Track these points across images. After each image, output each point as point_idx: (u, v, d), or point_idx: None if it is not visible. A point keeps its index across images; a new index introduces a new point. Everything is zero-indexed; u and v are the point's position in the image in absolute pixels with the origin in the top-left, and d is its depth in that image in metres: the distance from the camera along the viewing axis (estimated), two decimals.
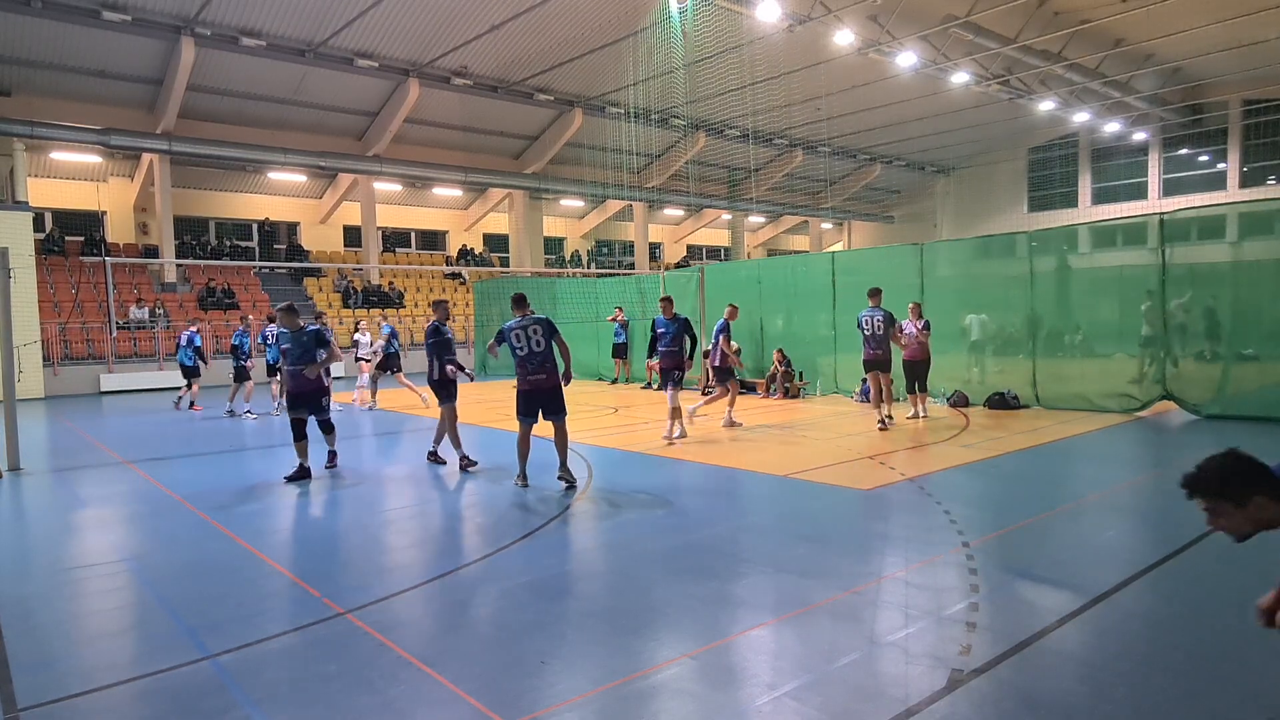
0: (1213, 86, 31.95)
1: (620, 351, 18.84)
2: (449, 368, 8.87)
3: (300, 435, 8.38)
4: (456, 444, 8.88)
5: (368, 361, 15.74)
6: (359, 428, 12.61)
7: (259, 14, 21.18)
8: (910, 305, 11.78)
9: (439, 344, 8.90)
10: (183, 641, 4.13)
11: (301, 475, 8.27)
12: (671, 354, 10.37)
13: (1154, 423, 10.99)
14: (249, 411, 14.39)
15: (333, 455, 8.97)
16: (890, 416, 11.12)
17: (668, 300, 10.87)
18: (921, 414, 11.49)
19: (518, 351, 7.62)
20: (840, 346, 14.45)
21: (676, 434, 10.25)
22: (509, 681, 3.57)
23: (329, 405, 8.67)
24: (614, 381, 19.08)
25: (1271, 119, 32.01)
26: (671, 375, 10.35)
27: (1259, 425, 10.15)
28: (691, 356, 10.94)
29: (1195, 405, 11.08)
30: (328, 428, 8.76)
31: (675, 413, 10.25)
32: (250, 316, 15.55)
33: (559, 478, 7.62)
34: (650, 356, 11.41)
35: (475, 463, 8.76)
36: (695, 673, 3.63)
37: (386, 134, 26.97)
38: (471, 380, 9.34)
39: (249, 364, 14.69)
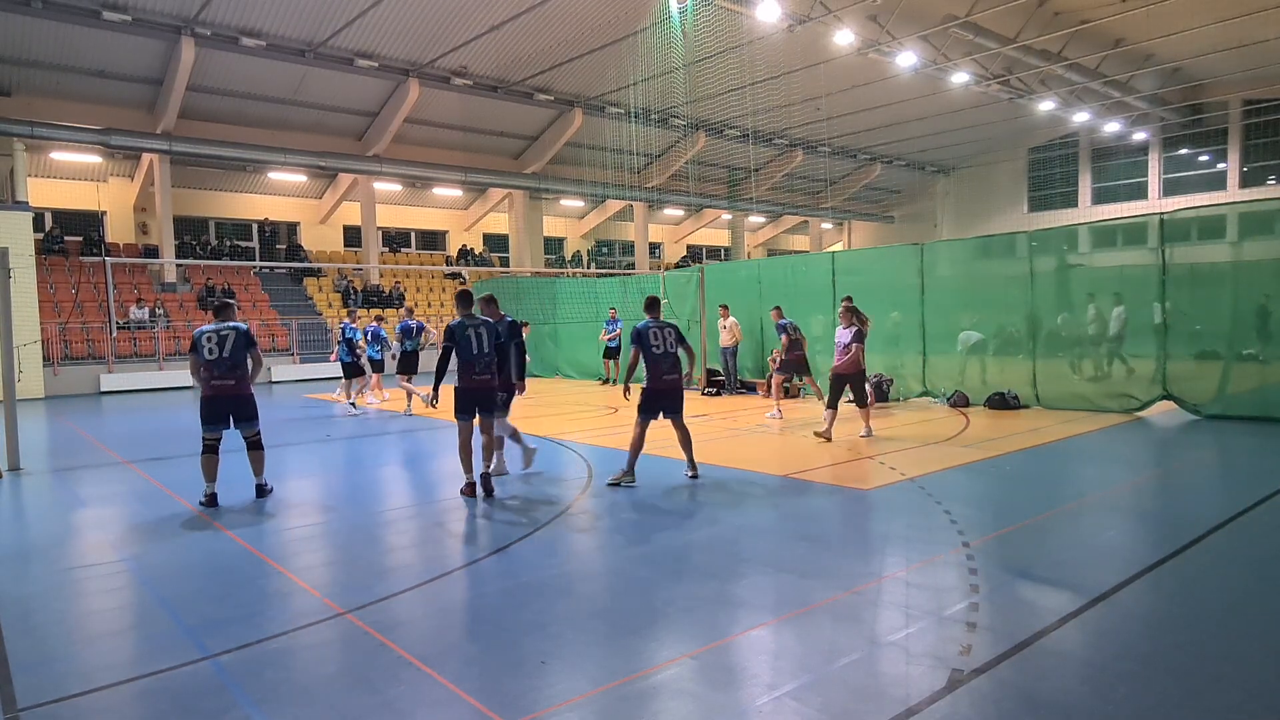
0: (1213, 86, 31.95)
1: (612, 353, 18.86)
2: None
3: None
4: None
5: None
6: (373, 427, 12.64)
7: (259, 14, 21.19)
8: (840, 309, 10.11)
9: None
10: (183, 641, 4.13)
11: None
12: (494, 371, 7.23)
13: (1154, 423, 10.99)
14: (352, 405, 14.37)
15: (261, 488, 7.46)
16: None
17: (489, 299, 7.90)
18: (864, 432, 10.01)
19: (654, 350, 7.62)
20: None
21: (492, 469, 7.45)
22: (509, 681, 3.57)
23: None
24: (605, 381, 19.11)
25: (1271, 119, 32.03)
26: (497, 400, 7.43)
27: (1259, 425, 10.15)
28: (521, 375, 7.93)
29: (1195, 405, 11.07)
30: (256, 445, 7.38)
31: (500, 443, 7.99)
32: (358, 311, 15.67)
33: (688, 473, 7.77)
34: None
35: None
36: (695, 673, 3.63)
37: (386, 134, 26.98)
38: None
39: (364, 358, 14.51)
